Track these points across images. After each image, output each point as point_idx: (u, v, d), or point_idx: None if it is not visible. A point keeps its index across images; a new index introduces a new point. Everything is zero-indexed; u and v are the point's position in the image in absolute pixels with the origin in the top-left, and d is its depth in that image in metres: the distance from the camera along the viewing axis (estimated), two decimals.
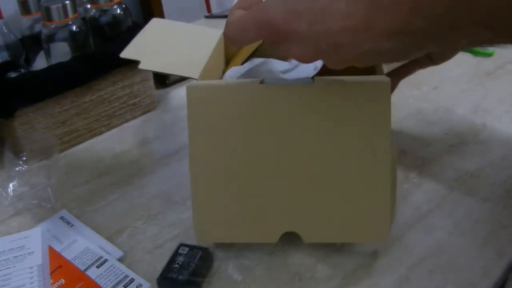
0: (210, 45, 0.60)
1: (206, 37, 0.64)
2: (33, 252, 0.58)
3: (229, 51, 0.68)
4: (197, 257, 0.55)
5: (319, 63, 0.63)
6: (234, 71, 0.58)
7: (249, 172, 0.50)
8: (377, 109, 0.49)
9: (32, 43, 0.81)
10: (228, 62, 0.67)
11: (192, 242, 0.59)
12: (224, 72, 0.63)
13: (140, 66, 0.55)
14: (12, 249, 0.59)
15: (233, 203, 0.53)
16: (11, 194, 0.68)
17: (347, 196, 0.51)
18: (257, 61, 0.58)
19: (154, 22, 0.66)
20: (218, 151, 0.52)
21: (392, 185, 0.53)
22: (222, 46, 0.67)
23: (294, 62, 0.60)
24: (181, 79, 0.94)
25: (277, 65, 0.57)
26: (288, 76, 0.57)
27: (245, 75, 0.57)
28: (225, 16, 0.70)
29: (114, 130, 0.84)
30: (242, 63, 0.61)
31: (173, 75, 0.57)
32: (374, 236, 0.53)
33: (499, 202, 0.63)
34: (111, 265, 0.57)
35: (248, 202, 0.52)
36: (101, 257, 0.58)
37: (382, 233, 0.53)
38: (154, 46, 0.60)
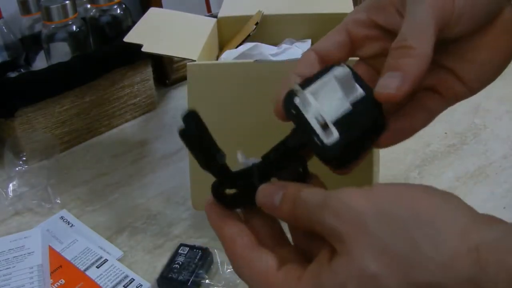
0: (206, 32, 0.65)
1: (201, 24, 0.67)
2: (33, 252, 0.58)
3: (223, 37, 0.71)
4: (197, 257, 0.55)
5: (306, 48, 0.65)
6: (229, 54, 0.64)
7: (245, 141, 0.51)
8: None
9: (32, 43, 0.81)
10: (222, 48, 0.71)
11: (192, 242, 0.59)
12: (218, 56, 0.68)
13: (143, 49, 0.58)
14: (12, 249, 0.59)
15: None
16: (11, 194, 0.68)
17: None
18: (250, 44, 0.64)
19: (152, 11, 0.68)
20: (215, 123, 0.54)
21: (375, 155, 0.57)
22: (216, 32, 0.70)
23: (283, 46, 0.66)
24: (181, 79, 0.94)
25: (267, 49, 0.64)
26: (277, 58, 0.63)
27: (239, 57, 0.62)
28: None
29: (114, 130, 0.84)
30: (236, 47, 0.65)
31: (174, 56, 0.62)
32: None
33: (499, 202, 0.63)
34: (111, 265, 0.57)
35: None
36: (101, 257, 0.58)
37: None
38: (154, 32, 0.63)
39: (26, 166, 0.71)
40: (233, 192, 0.34)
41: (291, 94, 0.31)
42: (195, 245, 0.57)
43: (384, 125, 0.32)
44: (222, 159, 0.32)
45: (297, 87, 0.31)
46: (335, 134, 0.30)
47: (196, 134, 0.30)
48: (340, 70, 0.31)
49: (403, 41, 0.31)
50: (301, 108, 0.31)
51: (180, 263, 0.55)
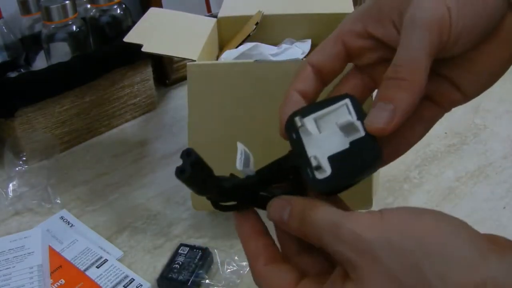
0: (206, 32, 0.65)
1: (201, 24, 0.68)
2: (33, 252, 0.58)
3: (223, 37, 0.71)
4: (197, 257, 0.55)
5: (306, 47, 0.65)
6: (229, 54, 0.64)
7: (244, 141, 0.52)
8: None
9: (32, 43, 0.81)
10: (222, 48, 0.71)
11: (192, 242, 0.59)
12: (218, 56, 0.68)
13: (143, 49, 0.59)
14: (12, 249, 0.59)
15: (227, 172, 0.54)
16: (11, 194, 0.68)
17: None
18: (250, 44, 0.64)
19: (152, 11, 0.68)
20: (215, 121, 0.57)
21: None
22: (216, 32, 0.70)
23: (283, 46, 0.67)
24: (181, 79, 0.94)
25: (267, 49, 0.65)
26: (277, 58, 0.64)
27: (239, 57, 0.63)
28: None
29: (114, 130, 0.84)
30: (236, 47, 0.65)
31: (174, 56, 0.61)
32: (359, 203, 0.58)
33: (499, 202, 0.63)
34: (111, 265, 0.57)
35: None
36: (101, 257, 0.58)
37: (366, 199, 0.58)
38: (154, 32, 0.63)
39: (26, 166, 0.71)
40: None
41: (294, 118, 0.32)
42: (195, 245, 0.57)
43: (381, 157, 0.31)
44: (218, 182, 0.33)
45: (301, 112, 0.32)
46: (327, 171, 0.30)
47: (190, 176, 0.29)
48: (345, 110, 0.31)
49: (396, 72, 0.31)
50: (302, 135, 0.32)
51: (180, 263, 0.55)
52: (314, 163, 0.30)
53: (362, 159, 0.30)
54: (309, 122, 0.31)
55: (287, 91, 0.35)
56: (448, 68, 0.35)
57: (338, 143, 0.31)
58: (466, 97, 0.36)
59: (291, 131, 0.32)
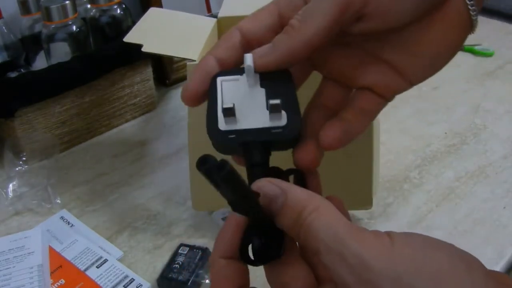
0: (206, 32, 0.64)
1: (201, 24, 0.67)
2: (33, 252, 0.58)
3: None
4: (197, 257, 0.55)
5: None
6: None
7: None
8: None
9: (32, 43, 0.81)
10: None
11: (192, 242, 0.59)
12: None
13: (143, 49, 0.58)
14: (12, 249, 0.59)
15: None
16: (11, 194, 0.68)
17: (333, 166, 0.55)
18: None
19: (152, 11, 0.68)
20: None
21: (375, 155, 0.57)
22: (216, 32, 0.69)
23: None
24: (181, 79, 0.94)
25: None
26: None
27: None
28: None
29: (114, 130, 0.84)
30: None
31: (174, 56, 0.62)
32: (359, 204, 0.58)
33: (499, 202, 0.63)
34: (111, 265, 0.57)
35: (242, 172, 0.55)
36: (101, 257, 0.58)
37: (366, 199, 0.58)
38: (154, 32, 0.63)
39: (26, 166, 0.71)
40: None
41: (219, 132, 0.30)
42: (195, 245, 0.57)
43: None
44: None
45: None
46: (282, 114, 0.30)
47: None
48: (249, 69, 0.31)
49: (294, 19, 0.31)
50: (234, 131, 0.30)
51: (180, 263, 0.55)
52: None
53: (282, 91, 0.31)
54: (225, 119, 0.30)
55: (205, 55, 0.33)
56: (392, 52, 0.33)
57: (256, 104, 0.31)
58: (409, 83, 0.34)
59: (228, 145, 0.31)
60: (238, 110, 0.30)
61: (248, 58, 0.30)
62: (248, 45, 0.33)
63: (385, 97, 0.34)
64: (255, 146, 0.30)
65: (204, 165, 0.24)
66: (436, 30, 0.32)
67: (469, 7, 0.32)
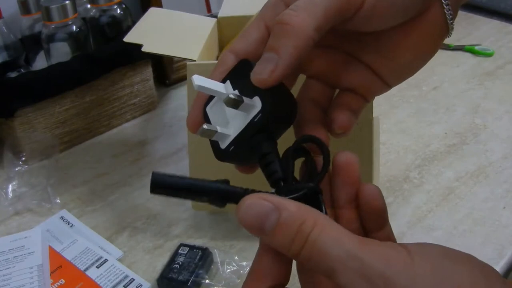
0: (206, 32, 0.65)
1: (201, 24, 0.67)
2: (33, 252, 0.58)
3: (223, 37, 0.71)
4: (197, 257, 0.55)
5: None
6: None
7: None
8: None
9: (32, 43, 0.81)
10: (222, 48, 0.71)
11: (192, 242, 0.59)
12: (218, 56, 0.68)
13: (143, 49, 0.58)
14: (12, 249, 0.59)
15: (227, 173, 0.55)
16: (11, 194, 0.68)
17: None
18: None
19: (152, 11, 0.68)
20: None
21: (375, 155, 0.57)
22: (216, 32, 0.70)
23: None
24: (181, 79, 0.94)
25: None
26: None
27: None
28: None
29: (114, 130, 0.84)
30: None
31: (174, 56, 0.62)
32: None
33: (499, 202, 0.63)
34: (111, 265, 0.57)
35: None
36: (101, 257, 0.58)
37: None
38: (154, 32, 0.63)
39: (26, 166, 0.71)
40: None
41: (223, 151, 0.32)
42: (195, 245, 0.57)
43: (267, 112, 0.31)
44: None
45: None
46: (253, 100, 0.30)
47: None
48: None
49: (284, 14, 0.29)
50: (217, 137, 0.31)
51: (180, 263, 0.55)
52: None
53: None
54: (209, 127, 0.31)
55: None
56: (370, 55, 0.34)
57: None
58: (387, 86, 0.35)
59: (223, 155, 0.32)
60: (225, 123, 0.31)
61: (195, 79, 0.30)
62: None
63: (366, 98, 0.35)
64: (253, 142, 0.30)
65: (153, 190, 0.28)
66: (415, 35, 0.33)
67: (445, 11, 0.32)
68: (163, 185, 0.28)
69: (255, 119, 0.30)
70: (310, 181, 0.30)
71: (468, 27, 1.05)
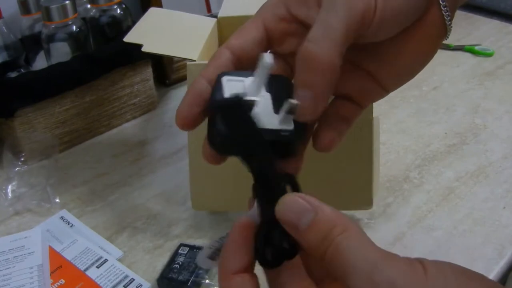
0: (206, 32, 0.65)
1: (201, 24, 0.67)
2: (33, 252, 0.58)
3: (223, 37, 0.71)
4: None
5: None
6: None
7: None
8: None
9: (32, 43, 0.81)
10: None
11: (192, 242, 0.59)
12: None
13: (143, 49, 0.58)
14: (12, 249, 0.59)
15: (228, 173, 0.55)
16: (11, 195, 0.68)
17: (333, 166, 0.56)
18: None
19: (152, 11, 0.68)
20: None
21: (375, 155, 0.57)
22: (216, 32, 0.70)
23: None
24: (181, 79, 0.94)
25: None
26: None
27: None
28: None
29: (114, 130, 0.84)
30: None
31: (174, 56, 0.62)
32: (359, 204, 0.58)
33: (499, 202, 0.63)
34: (111, 265, 0.57)
35: (242, 172, 0.54)
36: (101, 257, 0.58)
37: (366, 200, 0.58)
38: (154, 32, 0.63)
39: (25, 167, 0.71)
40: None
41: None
42: (195, 245, 0.57)
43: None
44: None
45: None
46: (290, 122, 0.30)
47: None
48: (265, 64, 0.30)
49: (307, 48, 0.29)
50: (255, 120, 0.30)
51: (180, 263, 0.55)
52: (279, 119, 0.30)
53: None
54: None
55: (197, 77, 0.32)
56: (370, 61, 0.34)
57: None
58: (386, 91, 0.35)
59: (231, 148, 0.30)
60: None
61: (267, 57, 0.29)
62: (238, 62, 0.33)
63: (362, 105, 0.35)
64: (263, 146, 0.30)
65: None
66: (414, 39, 0.33)
67: (443, 13, 0.32)
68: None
69: (283, 133, 0.30)
70: None
71: (468, 27, 1.05)
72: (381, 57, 0.33)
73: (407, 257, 0.26)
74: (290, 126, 0.30)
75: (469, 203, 0.64)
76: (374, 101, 0.36)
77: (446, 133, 0.77)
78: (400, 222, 0.61)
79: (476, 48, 0.98)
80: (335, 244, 0.26)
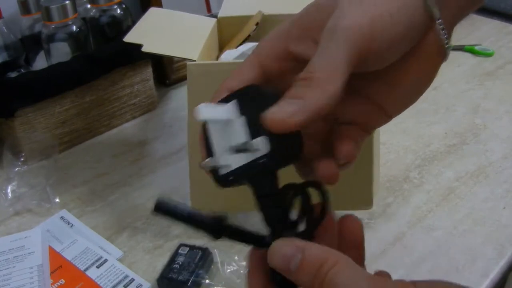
0: (206, 32, 0.65)
1: (201, 24, 0.68)
2: (33, 252, 0.58)
3: (223, 37, 0.71)
4: (197, 257, 0.55)
5: None
6: (229, 54, 0.64)
7: None
8: None
9: (32, 43, 0.81)
10: (222, 48, 0.71)
11: (192, 242, 0.59)
12: (218, 56, 0.68)
13: (143, 49, 0.58)
14: (12, 249, 0.59)
15: None
16: (11, 195, 0.68)
17: None
18: (250, 45, 0.63)
19: (152, 11, 0.68)
20: None
21: (375, 155, 0.57)
22: (216, 32, 0.70)
23: None
24: (181, 79, 0.94)
25: None
26: None
27: (239, 57, 0.63)
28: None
29: (114, 130, 0.84)
30: (236, 47, 0.65)
31: (174, 56, 0.62)
32: (359, 204, 0.58)
33: (499, 202, 0.63)
34: (111, 265, 0.57)
35: None
36: (101, 257, 0.58)
37: (366, 200, 0.58)
38: (154, 32, 0.63)
39: (25, 167, 0.71)
40: None
41: (222, 177, 0.32)
42: (195, 245, 0.57)
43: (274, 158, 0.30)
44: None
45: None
46: (260, 141, 0.29)
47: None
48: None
49: (310, 73, 0.28)
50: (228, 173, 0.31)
51: (180, 263, 0.55)
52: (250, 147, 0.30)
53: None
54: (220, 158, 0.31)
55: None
56: (369, 86, 0.33)
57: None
58: (389, 117, 0.35)
59: (227, 182, 0.32)
60: (226, 148, 0.31)
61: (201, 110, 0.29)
62: None
63: (366, 131, 0.35)
64: (254, 180, 0.30)
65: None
66: (414, 64, 0.33)
67: (441, 36, 0.32)
68: (164, 211, 0.31)
69: (260, 161, 0.29)
70: (307, 224, 0.31)
71: (468, 27, 1.05)
72: (381, 82, 0.33)
73: (400, 279, 0.26)
74: (264, 150, 0.29)
75: (469, 203, 0.64)
76: (377, 127, 0.35)
77: (446, 133, 0.77)
78: (400, 222, 0.61)
79: (476, 48, 0.98)
80: (328, 280, 0.26)
